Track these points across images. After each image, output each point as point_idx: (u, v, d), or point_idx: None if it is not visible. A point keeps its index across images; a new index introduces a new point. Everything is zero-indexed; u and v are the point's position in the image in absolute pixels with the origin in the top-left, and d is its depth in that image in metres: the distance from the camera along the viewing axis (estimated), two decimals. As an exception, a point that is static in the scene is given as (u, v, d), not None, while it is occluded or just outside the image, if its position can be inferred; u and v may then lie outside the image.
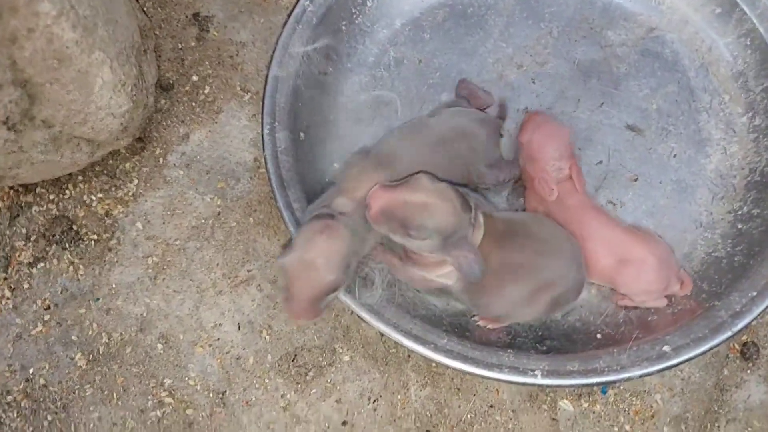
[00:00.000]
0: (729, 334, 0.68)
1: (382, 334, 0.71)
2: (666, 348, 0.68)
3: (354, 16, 0.88)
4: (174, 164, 0.87)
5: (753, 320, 0.69)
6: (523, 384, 0.67)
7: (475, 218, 0.66)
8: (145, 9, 0.91)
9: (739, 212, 0.79)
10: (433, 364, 0.77)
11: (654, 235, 0.76)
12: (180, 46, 0.93)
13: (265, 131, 0.77)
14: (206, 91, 0.91)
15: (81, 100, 0.71)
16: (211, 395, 0.76)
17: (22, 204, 0.85)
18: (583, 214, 0.74)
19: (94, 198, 0.85)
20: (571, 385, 0.69)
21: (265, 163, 0.76)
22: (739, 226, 0.78)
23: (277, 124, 0.78)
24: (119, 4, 0.76)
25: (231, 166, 0.87)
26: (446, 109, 0.80)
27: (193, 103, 0.90)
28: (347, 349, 0.78)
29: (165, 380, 0.77)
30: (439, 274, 0.70)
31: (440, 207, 0.63)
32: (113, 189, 0.85)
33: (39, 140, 0.74)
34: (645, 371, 0.67)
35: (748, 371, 0.79)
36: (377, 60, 0.89)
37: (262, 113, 0.78)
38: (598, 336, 0.74)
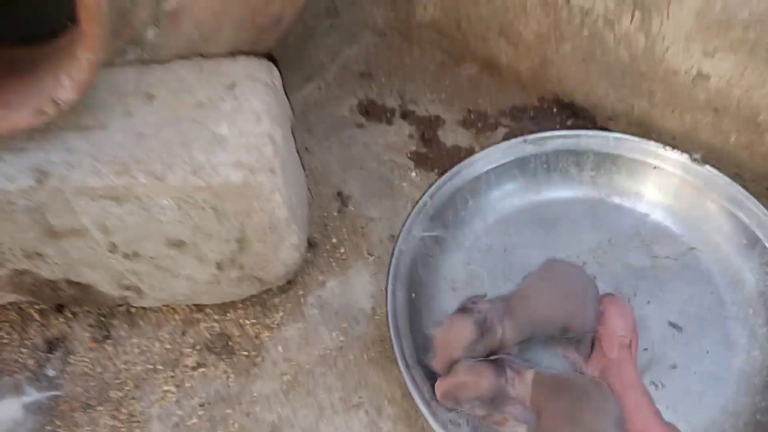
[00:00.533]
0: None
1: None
2: None
3: (459, 211, 1.18)
4: (311, 304, 1.13)
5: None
6: None
7: (511, 379, 0.88)
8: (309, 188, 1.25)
9: (759, 406, 0.96)
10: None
11: None
12: (325, 215, 1.25)
13: (389, 289, 1.03)
14: (341, 251, 1.20)
15: (271, 254, 1.00)
16: (317, 498, 0.94)
17: (194, 319, 1.12)
18: (629, 387, 0.92)
19: (248, 322, 1.12)
20: None
21: (387, 314, 1.01)
22: (758, 417, 0.94)
23: (397, 284, 1.05)
24: (304, 190, 1.10)
25: (354, 312, 1.12)
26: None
27: (330, 259, 1.19)
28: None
29: (284, 480, 0.96)
30: (511, 428, 0.90)
31: (475, 382, 0.88)
32: (263, 317, 1.12)
33: (232, 277, 1.03)
34: None
35: None
36: (472, 244, 1.17)
37: (388, 275, 1.05)
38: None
